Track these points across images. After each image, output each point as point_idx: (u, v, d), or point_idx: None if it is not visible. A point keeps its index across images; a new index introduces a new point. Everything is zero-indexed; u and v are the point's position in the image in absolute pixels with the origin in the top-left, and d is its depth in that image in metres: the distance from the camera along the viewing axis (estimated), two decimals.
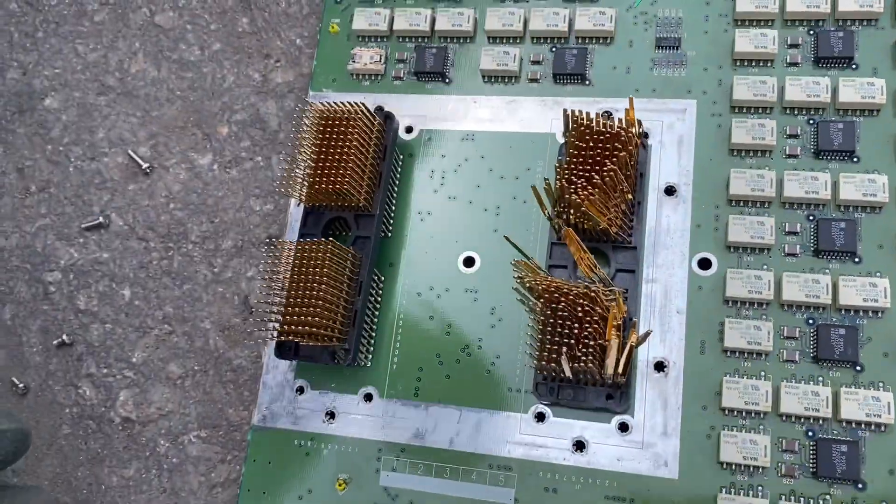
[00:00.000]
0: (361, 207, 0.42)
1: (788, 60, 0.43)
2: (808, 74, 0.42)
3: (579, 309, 0.36)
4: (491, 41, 0.47)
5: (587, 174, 0.37)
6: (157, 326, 0.48)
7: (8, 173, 0.51)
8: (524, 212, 0.43)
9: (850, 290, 0.38)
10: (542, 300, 0.36)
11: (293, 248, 0.40)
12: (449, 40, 0.47)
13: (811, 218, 0.40)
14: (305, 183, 0.41)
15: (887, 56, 0.42)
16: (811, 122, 0.41)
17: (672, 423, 0.38)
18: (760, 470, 0.37)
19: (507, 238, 0.39)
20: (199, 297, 0.48)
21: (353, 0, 0.49)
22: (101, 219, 0.50)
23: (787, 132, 0.41)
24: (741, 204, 0.41)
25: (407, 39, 0.48)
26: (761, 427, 0.37)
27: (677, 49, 0.44)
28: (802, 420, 0.37)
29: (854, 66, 0.42)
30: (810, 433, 0.37)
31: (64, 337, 0.48)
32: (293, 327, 0.38)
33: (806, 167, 0.41)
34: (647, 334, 0.36)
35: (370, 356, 0.43)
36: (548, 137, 0.44)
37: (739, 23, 0.44)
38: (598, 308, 0.36)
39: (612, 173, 0.37)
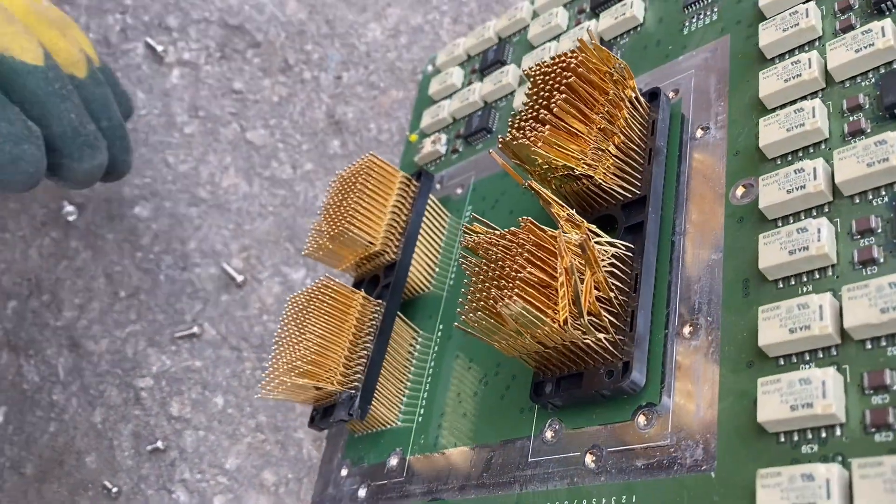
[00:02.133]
0: (383, 255, 0.40)
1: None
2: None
3: (515, 245, 0.28)
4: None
5: (535, 114, 0.31)
6: (249, 434, 0.47)
7: (97, 277, 0.54)
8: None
9: None
10: (482, 251, 0.29)
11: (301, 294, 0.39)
12: (496, 102, 0.46)
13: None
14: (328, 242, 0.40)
15: None
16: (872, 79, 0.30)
17: (707, 407, 0.25)
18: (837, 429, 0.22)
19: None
20: (291, 406, 0.47)
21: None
22: (195, 328, 0.51)
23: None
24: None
25: (465, 119, 0.47)
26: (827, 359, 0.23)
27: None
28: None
29: None
30: None
31: (159, 443, 0.48)
32: (294, 364, 0.36)
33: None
34: (587, 242, 0.26)
35: (400, 414, 0.37)
36: None
37: None
38: (537, 235, 0.27)
39: (560, 103, 0.31)
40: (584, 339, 0.27)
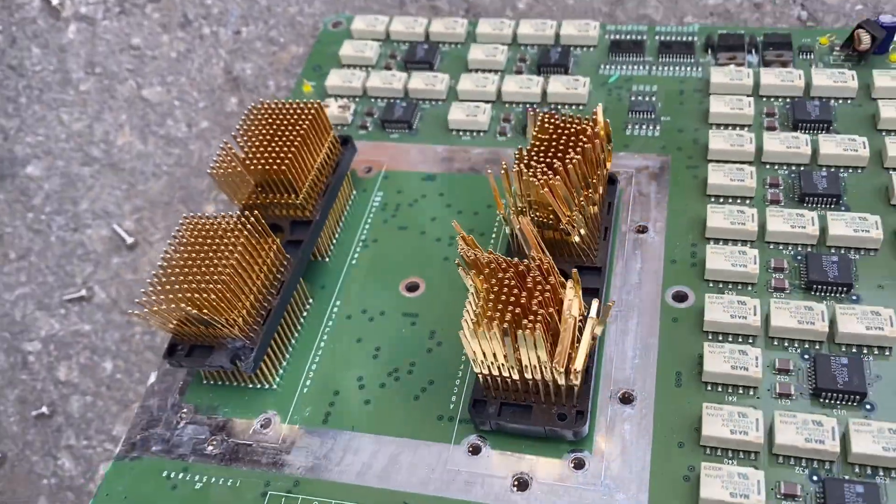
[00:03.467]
0: (300, 208, 0.38)
1: (766, 125, 0.41)
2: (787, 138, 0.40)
3: (529, 278, 0.30)
4: (462, 101, 0.46)
5: (548, 160, 0.34)
6: (138, 400, 0.43)
7: None
8: (482, 244, 0.39)
9: (849, 319, 0.32)
10: (486, 271, 0.30)
11: (214, 222, 0.35)
12: (421, 102, 0.46)
13: (798, 256, 0.35)
14: (243, 168, 0.37)
15: (863, 125, 0.40)
16: (792, 174, 0.39)
17: (639, 464, 0.30)
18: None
19: (455, 224, 0.34)
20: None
21: (329, 69, 0.49)
22: (83, 291, 0.48)
23: (769, 181, 0.39)
24: (720, 242, 0.37)
25: (379, 99, 0.47)
26: (752, 461, 0.29)
27: (652, 113, 0.43)
28: (803, 457, 0.29)
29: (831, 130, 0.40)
30: (815, 478, 0.29)
31: (44, 408, 0.45)
32: (193, 296, 0.32)
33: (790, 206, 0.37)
34: (608, 308, 0.30)
35: (279, 378, 0.35)
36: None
37: (715, 94, 0.43)
38: (551, 280, 0.30)
39: (575, 162, 0.33)
40: (561, 382, 0.30)
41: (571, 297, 0.30)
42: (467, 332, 0.29)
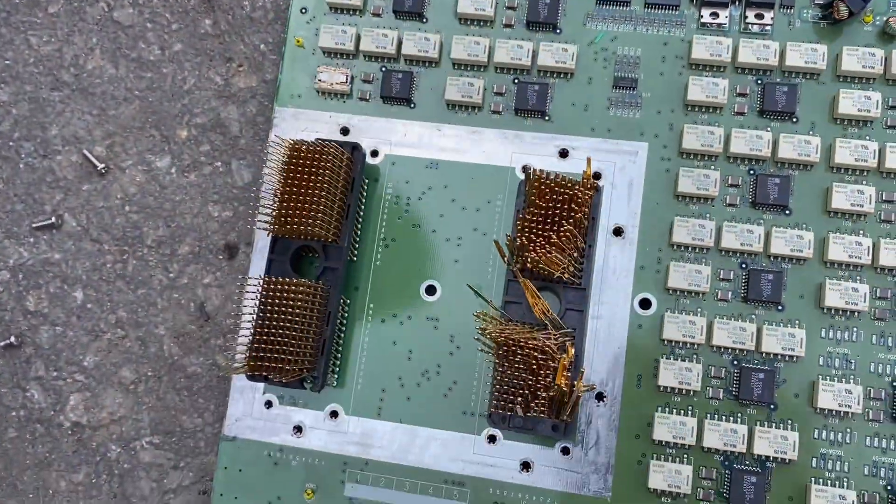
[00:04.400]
0: (330, 239, 0.44)
1: (736, 110, 0.45)
2: (753, 127, 0.45)
3: (534, 363, 0.39)
4: (456, 67, 0.48)
5: (546, 234, 0.40)
6: (109, 330, 0.48)
7: None
8: (485, 244, 0.46)
9: (771, 339, 0.42)
10: (501, 350, 0.40)
11: (261, 282, 0.42)
12: (414, 63, 0.48)
13: (743, 266, 0.44)
14: (273, 215, 0.43)
15: (825, 111, 0.45)
16: (752, 172, 0.45)
17: (608, 450, 0.43)
18: (683, 497, 0.42)
19: (469, 286, 0.42)
20: (153, 301, 0.49)
21: (318, 11, 0.49)
22: (53, 219, 0.49)
23: (730, 182, 0.45)
24: (682, 249, 0.44)
25: (373, 59, 0.49)
26: (686, 458, 0.43)
27: (633, 90, 0.46)
28: (721, 453, 0.42)
29: (794, 121, 0.45)
30: (726, 464, 0.42)
31: (12, 339, 0.47)
32: (263, 363, 0.41)
33: (743, 217, 0.44)
34: (590, 387, 0.40)
35: (336, 376, 0.46)
36: (508, 172, 0.46)
37: (693, 66, 0.46)
38: (550, 362, 0.39)
39: (568, 233, 0.40)
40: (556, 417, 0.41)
41: (565, 364, 0.40)
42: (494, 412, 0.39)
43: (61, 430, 0.48)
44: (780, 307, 0.43)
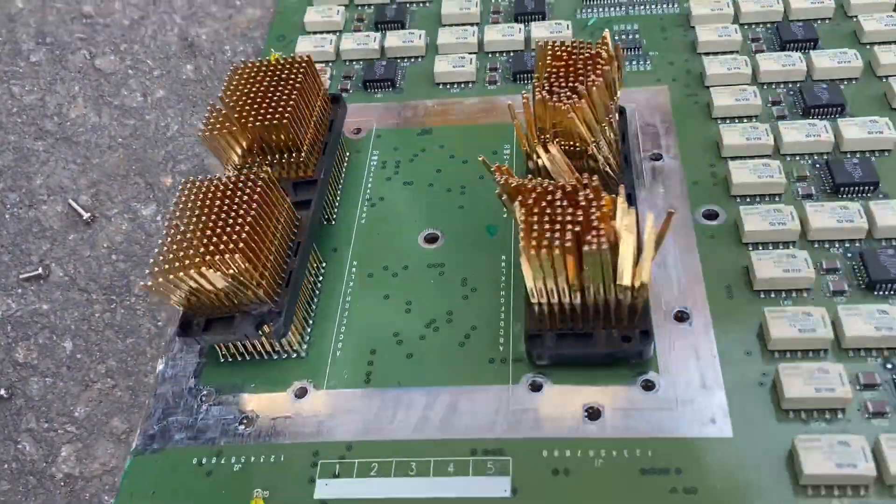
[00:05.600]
0: (302, 167, 0.35)
1: (754, 48, 0.41)
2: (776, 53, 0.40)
3: (581, 196, 0.28)
4: (444, 54, 0.44)
5: (570, 85, 0.33)
6: (99, 380, 0.42)
7: None
8: (493, 187, 0.37)
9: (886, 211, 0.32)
10: (533, 197, 0.29)
11: (218, 183, 0.32)
12: (400, 60, 0.45)
13: (817, 165, 0.35)
14: (239, 127, 0.34)
15: (847, 41, 0.41)
16: (791, 91, 0.39)
17: (711, 375, 0.29)
18: (839, 411, 0.27)
19: (482, 160, 0.32)
20: (143, 350, 0.43)
21: (296, 34, 0.47)
22: (40, 269, 0.46)
23: (770, 100, 0.39)
24: (739, 156, 0.36)
25: (354, 63, 0.45)
26: (824, 357, 0.29)
27: (639, 50, 0.43)
28: (875, 349, 0.29)
29: (816, 46, 0.41)
30: (891, 367, 0.28)
31: (2, 391, 0.43)
32: (214, 258, 0.29)
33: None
34: (670, 216, 0.29)
35: (305, 346, 0.33)
36: (511, 129, 0.40)
37: (698, 22, 0.43)
38: (603, 197, 0.28)
39: (598, 83, 0.32)
40: (626, 301, 0.28)
41: (626, 211, 0.28)
42: (529, 259, 0.27)
43: (54, 481, 0.41)
44: (880, 194, 0.34)
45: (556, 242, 0.27)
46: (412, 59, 0.44)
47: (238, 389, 0.32)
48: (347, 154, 0.40)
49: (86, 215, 0.47)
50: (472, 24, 0.45)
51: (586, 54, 0.34)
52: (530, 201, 0.29)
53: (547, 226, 0.28)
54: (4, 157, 0.48)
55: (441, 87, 0.43)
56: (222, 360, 0.33)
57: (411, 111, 0.42)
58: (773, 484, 0.26)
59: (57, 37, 0.50)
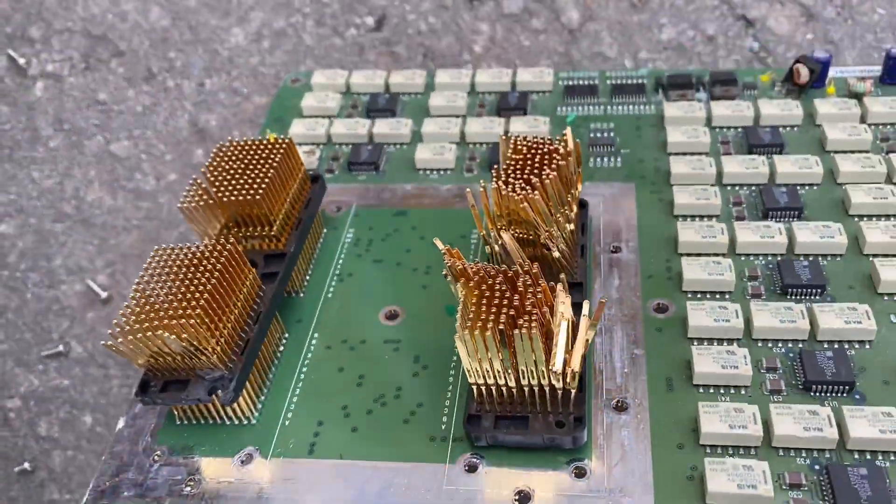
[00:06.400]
0: (274, 240, 0.37)
1: (722, 151, 0.43)
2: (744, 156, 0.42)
3: (519, 282, 0.30)
4: (427, 142, 0.46)
5: (525, 177, 0.34)
6: None
7: None
8: None
9: (828, 316, 0.33)
10: (475, 279, 0.30)
11: (187, 251, 0.34)
12: (386, 146, 0.47)
13: (769, 265, 0.36)
14: (215, 200, 0.36)
15: (812, 147, 0.42)
16: (753, 192, 0.40)
17: (642, 466, 0.30)
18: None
19: (436, 242, 0.34)
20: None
21: (292, 120, 0.50)
22: (61, 347, 0.48)
23: (732, 200, 0.40)
24: (693, 254, 0.37)
25: (343, 146, 0.47)
26: (754, 454, 0.29)
27: (612, 146, 0.44)
28: (804, 449, 0.29)
29: (781, 152, 0.42)
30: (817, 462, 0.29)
31: (26, 464, 0.45)
32: (170, 322, 0.31)
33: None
34: (601, 306, 0.30)
35: (257, 413, 0.34)
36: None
37: (670, 124, 0.45)
38: (541, 283, 0.30)
39: (552, 178, 0.34)
40: (558, 386, 0.29)
41: (563, 300, 0.30)
42: (463, 339, 0.28)
43: None
44: (828, 297, 0.35)
45: (490, 324, 0.28)
46: (397, 146, 0.47)
47: (189, 452, 0.33)
48: (324, 230, 0.42)
49: (103, 294, 0.49)
50: (457, 116, 0.48)
51: (545, 149, 0.36)
52: (471, 283, 0.30)
53: (483, 308, 0.29)
54: (25, 240, 0.50)
55: (421, 172, 0.45)
56: (178, 423, 0.34)
57: (390, 193, 0.44)
58: None
59: (74, 123, 0.53)
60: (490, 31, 0.62)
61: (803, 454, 0.29)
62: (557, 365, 0.29)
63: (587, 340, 0.30)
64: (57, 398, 0.46)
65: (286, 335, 0.37)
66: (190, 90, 0.53)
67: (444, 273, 0.31)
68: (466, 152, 0.46)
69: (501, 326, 0.28)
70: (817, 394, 0.31)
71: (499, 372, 0.29)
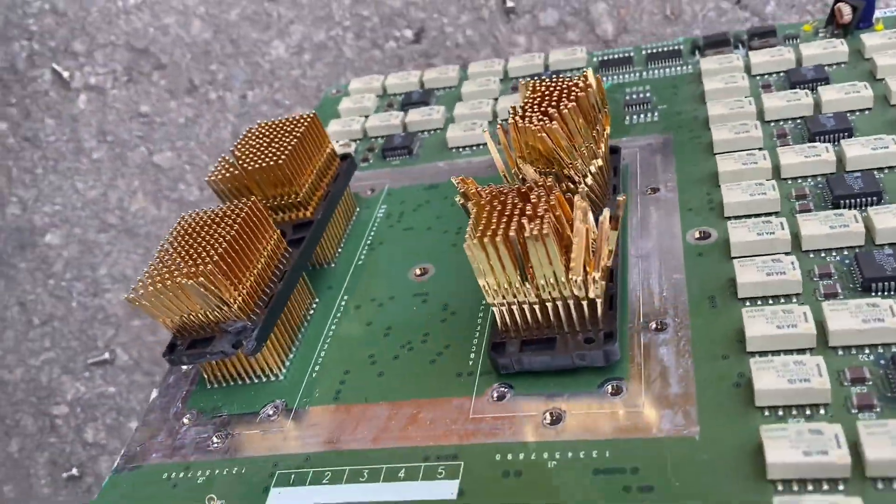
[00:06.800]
0: (301, 207, 0.37)
1: (763, 93, 0.41)
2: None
3: (533, 195, 0.28)
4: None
5: (543, 110, 0.33)
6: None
7: (10, 307, 0.50)
8: None
9: (884, 216, 0.30)
10: (489, 196, 0.29)
11: (210, 213, 0.34)
12: (419, 133, 0.47)
13: (820, 185, 0.34)
14: (237, 171, 0.37)
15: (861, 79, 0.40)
16: (798, 125, 0.38)
17: (683, 379, 0.27)
18: (819, 405, 0.24)
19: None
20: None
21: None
22: (107, 354, 0.49)
23: (776, 133, 0.38)
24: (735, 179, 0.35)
25: (379, 138, 0.48)
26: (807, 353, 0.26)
27: (647, 104, 0.43)
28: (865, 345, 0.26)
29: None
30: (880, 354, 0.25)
31: (74, 470, 0.46)
32: (190, 270, 0.31)
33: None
34: (622, 202, 0.28)
35: (285, 370, 0.33)
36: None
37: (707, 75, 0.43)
38: (554, 193, 0.28)
39: (571, 108, 0.33)
40: (581, 295, 0.27)
41: (582, 206, 0.28)
42: (472, 248, 0.27)
43: None
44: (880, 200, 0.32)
45: (501, 232, 0.27)
46: (430, 132, 0.47)
47: (218, 411, 0.32)
48: (357, 209, 0.42)
49: None
50: (488, 99, 0.47)
51: (563, 85, 0.35)
52: (483, 201, 0.29)
53: (494, 218, 0.28)
54: (71, 250, 0.52)
55: (454, 150, 0.44)
56: (209, 386, 0.34)
57: (421, 171, 0.43)
58: (739, 481, 0.23)
59: (117, 135, 0.55)
60: (527, 44, 0.63)
61: (866, 350, 0.26)
62: (577, 270, 0.27)
63: (609, 246, 0.28)
64: (103, 405, 0.47)
65: (316, 300, 0.36)
66: (232, 102, 0.54)
67: (456, 198, 0.30)
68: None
69: (512, 234, 0.27)
70: (877, 294, 0.28)
71: (517, 288, 0.28)
